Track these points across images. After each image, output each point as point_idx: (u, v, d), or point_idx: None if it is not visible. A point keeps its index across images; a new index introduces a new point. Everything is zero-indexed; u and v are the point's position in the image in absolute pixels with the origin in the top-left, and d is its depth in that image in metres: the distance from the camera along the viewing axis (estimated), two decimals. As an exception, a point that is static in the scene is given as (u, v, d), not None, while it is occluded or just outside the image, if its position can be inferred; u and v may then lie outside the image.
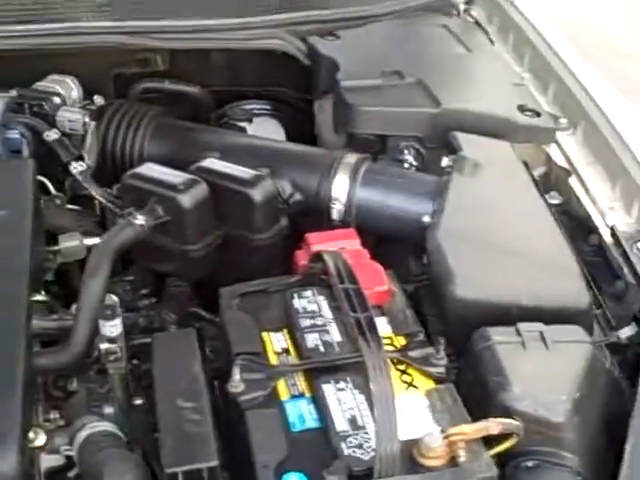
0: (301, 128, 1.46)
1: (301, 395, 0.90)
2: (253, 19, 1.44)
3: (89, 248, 1.14)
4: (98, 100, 1.35)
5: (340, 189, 1.15)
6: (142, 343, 1.02)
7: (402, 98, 1.28)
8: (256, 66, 1.51)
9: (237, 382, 0.89)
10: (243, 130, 1.42)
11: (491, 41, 1.53)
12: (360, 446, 0.82)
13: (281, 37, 1.42)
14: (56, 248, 1.13)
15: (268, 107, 1.53)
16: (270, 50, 1.44)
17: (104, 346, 0.93)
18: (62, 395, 1.00)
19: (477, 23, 1.59)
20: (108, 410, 0.99)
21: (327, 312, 0.99)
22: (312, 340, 0.96)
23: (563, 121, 1.32)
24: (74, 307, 1.08)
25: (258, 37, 1.42)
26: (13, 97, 1.25)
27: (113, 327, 0.92)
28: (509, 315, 0.95)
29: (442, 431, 0.83)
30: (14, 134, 1.17)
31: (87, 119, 1.26)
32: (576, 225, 1.19)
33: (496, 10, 1.60)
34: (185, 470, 0.79)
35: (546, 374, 0.89)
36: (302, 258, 1.08)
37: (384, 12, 1.51)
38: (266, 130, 1.43)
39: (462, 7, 1.59)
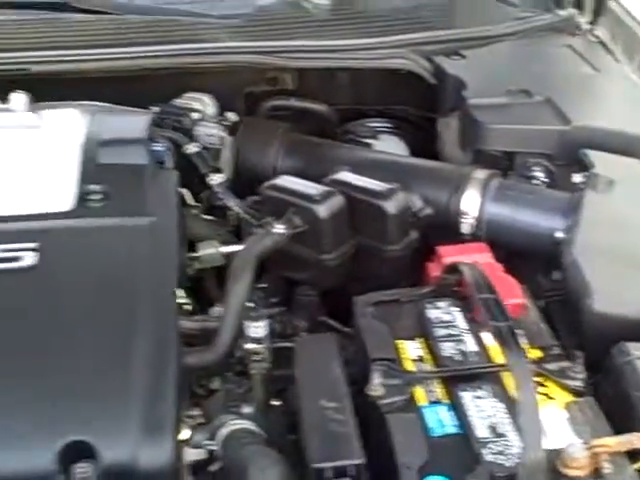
0: (421, 145, 1.49)
1: (438, 402, 0.92)
2: (379, 40, 1.48)
3: (225, 256, 1.20)
4: (231, 117, 1.42)
5: (470, 204, 1.17)
6: (279, 347, 1.06)
7: (530, 116, 1.29)
8: (379, 85, 1.55)
9: (377, 386, 0.92)
10: (369, 146, 1.46)
11: (617, 61, 1.53)
12: (501, 452, 0.84)
13: (406, 56, 1.45)
14: (196, 255, 1.19)
15: (390, 125, 1.56)
16: (394, 69, 1.48)
17: (249, 346, 0.98)
18: (204, 393, 1.05)
19: (602, 43, 1.58)
20: (246, 410, 1.04)
21: (462, 323, 1.01)
22: (448, 349, 0.98)
23: None
24: (213, 310, 1.14)
25: (383, 57, 1.46)
26: (156, 112, 1.33)
27: (258, 328, 0.97)
28: None
29: (584, 443, 0.83)
30: (159, 147, 1.24)
31: (224, 134, 1.33)
32: None
33: (621, 30, 1.59)
34: (332, 466, 0.82)
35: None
36: (434, 270, 1.10)
37: (508, 32, 1.52)
38: (390, 147, 1.47)
39: (586, 27, 1.59)
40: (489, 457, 0.83)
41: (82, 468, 0.84)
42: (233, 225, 1.31)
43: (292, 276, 1.19)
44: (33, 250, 1.01)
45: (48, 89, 1.31)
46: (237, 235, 1.28)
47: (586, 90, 1.40)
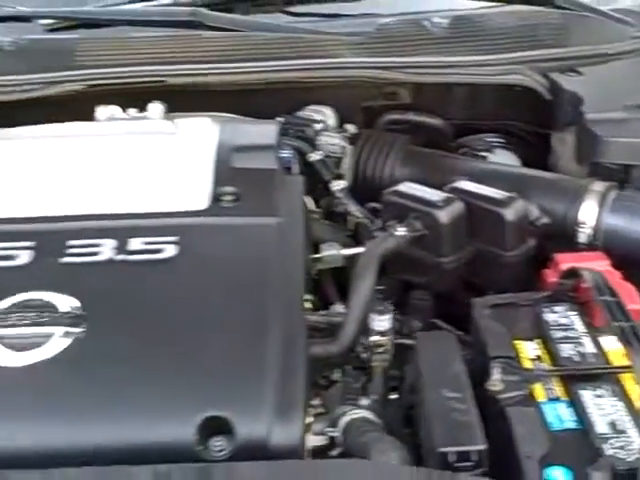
0: (532, 160, 1.52)
1: (557, 399, 0.95)
2: (495, 57, 1.52)
3: (346, 258, 1.26)
4: (350, 128, 1.49)
5: (588, 214, 1.20)
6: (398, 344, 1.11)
7: None
8: (494, 100, 1.59)
9: (497, 381, 0.95)
10: (484, 159, 1.50)
11: None
12: (622, 448, 0.86)
13: (522, 72, 1.49)
14: (318, 255, 1.25)
15: (503, 140, 1.60)
16: (509, 85, 1.51)
17: (373, 338, 1.03)
18: (325, 384, 1.11)
19: None
20: (364, 402, 1.09)
21: (580, 326, 1.04)
22: (566, 350, 1.00)
23: None
24: (333, 307, 1.20)
25: (500, 73, 1.50)
26: (281, 123, 1.40)
27: (383, 322, 1.02)
28: None
29: None
30: (285, 154, 1.31)
31: (345, 143, 1.40)
32: None
33: None
34: (456, 451, 0.86)
35: None
36: (551, 276, 1.13)
37: (624, 50, 1.54)
38: (504, 161, 1.50)
39: None
40: (610, 451, 0.85)
41: (219, 442, 0.90)
42: (350, 230, 1.37)
43: (410, 279, 1.23)
44: (174, 243, 1.09)
45: (181, 100, 1.41)
46: (354, 240, 1.34)
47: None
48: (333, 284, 1.29)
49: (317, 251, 1.26)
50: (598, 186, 1.23)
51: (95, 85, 1.45)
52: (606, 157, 1.29)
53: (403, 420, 1.06)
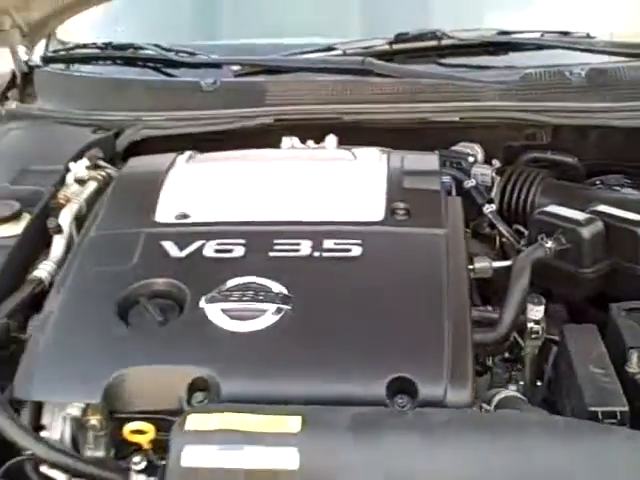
0: None
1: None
2: (627, 103, 1.72)
3: (494, 270, 1.47)
4: (496, 163, 1.71)
5: None
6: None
7: None
8: (623, 143, 1.78)
9: (635, 364, 1.15)
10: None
11: None
12: None
13: None
14: (472, 267, 1.47)
15: (630, 180, 1.78)
16: (638, 128, 1.71)
17: (530, 325, 1.24)
18: (480, 369, 1.32)
19: None
20: (512, 388, 1.29)
21: None
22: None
23: None
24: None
25: (630, 117, 1.70)
26: (439, 154, 1.64)
27: (538, 311, 1.24)
28: None
29: None
30: (446, 179, 1.55)
31: (494, 174, 1.63)
32: None
33: None
34: (604, 410, 1.06)
35: None
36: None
37: None
38: (632, 196, 1.69)
39: None
40: None
41: (402, 399, 1.13)
42: (496, 249, 1.58)
43: (552, 288, 1.43)
44: (358, 245, 1.34)
45: (351, 135, 1.67)
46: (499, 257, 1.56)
47: None
48: (477, 292, 1.51)
49: (471, 263, 1.48)
50: None
51: (282, 120, 1.73)
52: None
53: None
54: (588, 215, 1.39)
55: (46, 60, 2.07)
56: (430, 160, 1.56)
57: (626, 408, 1.06)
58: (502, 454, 1.01)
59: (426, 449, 1.02)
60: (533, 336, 1.25)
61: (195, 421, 1.06)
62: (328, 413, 1.07)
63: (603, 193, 1.60)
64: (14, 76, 2.04)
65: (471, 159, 1.66)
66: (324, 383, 1.14)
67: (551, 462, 0.99)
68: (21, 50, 2.01)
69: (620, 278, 1.39)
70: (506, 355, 1.36)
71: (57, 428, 1.18)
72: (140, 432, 1.16)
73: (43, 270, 1.43)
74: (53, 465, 1.11)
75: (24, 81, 2.04)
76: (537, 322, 1.25)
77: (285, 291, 1.25)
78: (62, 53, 2.12)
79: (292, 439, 1.03)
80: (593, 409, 1.06)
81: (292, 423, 1.05)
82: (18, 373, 1.20)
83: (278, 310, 1.23)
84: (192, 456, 1.03)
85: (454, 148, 1.72)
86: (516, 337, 1.30)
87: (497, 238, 1.57)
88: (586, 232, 1.37)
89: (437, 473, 1.01)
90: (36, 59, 2.06)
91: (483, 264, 1.46)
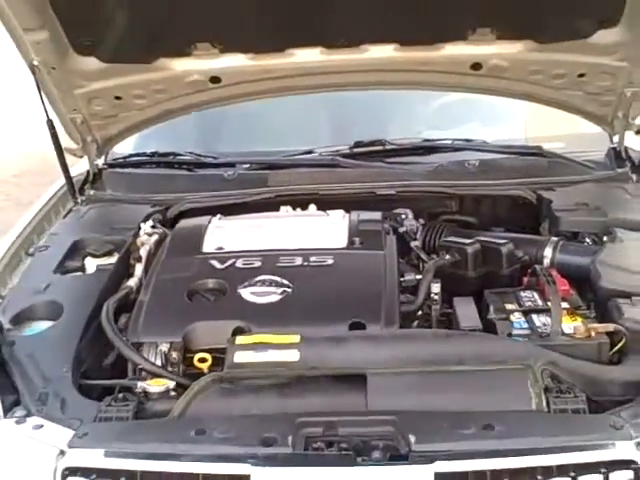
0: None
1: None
2: (507, 181, 2.63)
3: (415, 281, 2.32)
4: (420, 221, 2.59)
5: (548, 253, 2.25)
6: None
7: None
8: (505, 207, 2.67)
9: (492, 313, 1.99)
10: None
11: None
12: None
13: (522, 190, 2.59)
14: (402, 279, 2.31)
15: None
16: (514, 196, 2.61)
17: (432, 295, 2.09)
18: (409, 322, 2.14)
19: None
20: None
21: (538, 299, 2.07)
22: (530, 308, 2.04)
23: None
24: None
25: (509, 189, 2.61)
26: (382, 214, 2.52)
27: (436, 286, 2.09)
28: None
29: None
30: (386, 225, 2.43)
31: (419, 225, 2.51)
32: None
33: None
34: (469, 326, 1.91)
35: None
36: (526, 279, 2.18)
37: (579, 180, 2.63)
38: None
39: (633, 177, 2.66)
40: None
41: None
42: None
43: (452, 286, 2.25)
44: (331, 258, 2.20)
45: (324, 204, 2.56)
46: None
47: (621, 205, 2.47)
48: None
49: (402, 276, 2.33)
50: (553, 240, 2.29)
51: (279, 195, 2.63)
52: (561, 226, 2.36)
53: None
54: (471, 240, 2.27)
55: (111, 165, 2.97)
56: (375, 215, 2.45)
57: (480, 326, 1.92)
58: (423, 346, 1.86)
59: (375, 345, 1.85)
60: (434, 298, 2.10)
61: (240, 339, 1.89)
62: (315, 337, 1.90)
63: (482, 233, 2.47)
64: (88, 174, 2.92)
65: (403, 216, 2.54)
66: (311, 327, 1.95)
67: (448, 349, 1.83)
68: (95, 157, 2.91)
69: (490, 277, 2.24)
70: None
71: (152, 359, 1.98)
72: (203, 360, 1.96)
73: (132, 282, 2.26)
74: (151, 373, 1.90)
75: (95, 178, 2.91)
76: (436, 293, 2.10)
77: (287, 282, 2.10)
78: (120, 160, 3.03)
79: (294, 346, 1.85)
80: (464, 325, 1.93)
81: (294, 339, 1.87)
82: (130, 327, 2.01)
83: (283, 292, 2.08)
84: (239, 356, 1.84)
85: (392, 212, 2.60)
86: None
87: (420, 263, 2.42)
88: (470, 249, 2.24)
89: (386, 357, 1.82)
90: (100, 163, 2.96)
91: (409, 277, 2.31)
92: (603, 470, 1.55)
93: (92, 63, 2.47)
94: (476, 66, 2.51)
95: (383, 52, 2.45)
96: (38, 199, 2.95)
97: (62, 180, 2.89)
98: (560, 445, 1.58)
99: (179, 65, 2.50)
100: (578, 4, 2.31)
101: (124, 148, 3.06)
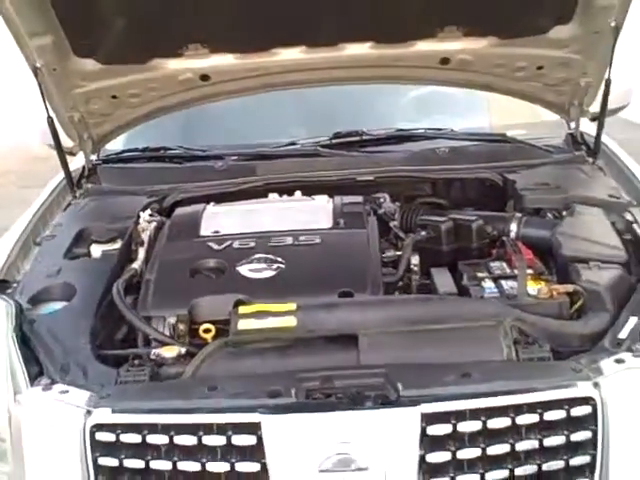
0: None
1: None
2: (475, 165, 2.87)
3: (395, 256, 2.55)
4: (397, 203, 2.82)
5: (513, 226, 2.50)
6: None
7: None
8: (474, 188, 2.91)
9: (465, 280, 2.23)
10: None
11: (604, 174, 2.84)
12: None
13: (489, 172, 2.83)
14: (384, 255, 2.54)
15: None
16: (482, 178, 2.85)
17: (412, 266, 2.33)
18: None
19: (600, 168, 2.91)
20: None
21: (506, 267, 2.32)
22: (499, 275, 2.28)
23: None
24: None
25: (477, 172, 2.85)
26: (362, 197, 2.75)
27: (415, 259, 2.32)
28: None
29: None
30: (367, 208, 2.65)
31: (396, 207, 2.73)
32: None
33: (609, 162, 2.92)
34: (448, 291, 2.15)
35: None
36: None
37: (539, 163, 2.88)
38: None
39: (589, 159, 2.92)
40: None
41: (346, 303, 2.19)
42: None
43: (429, 260, 2.48)
44: (319, 237, 2.42)
45: (309, 190, 2.78)
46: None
47: (578, 184, 2.72)
48: None
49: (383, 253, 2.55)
50: (517, 216, 2.53)
51: (267, 183, 2.84)
52: (525, 204, 2.61)
53: None
54: (444, 218, 2.50)
55: (105, 161, 3.16)
56: (357, 199, 2.68)
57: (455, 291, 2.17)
58: (407, 308, 2.09)
59: (364, 309, 2.09)
60: (414, 270, 2.34)
61: (242, 309, 2.10)
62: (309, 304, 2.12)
63: (454, 212, 2.70)
64: (84, 170, 3.10)
65: (382, 200, 2.77)
66: (304, 297, 2.17)
67: (429, 310, 2.07)
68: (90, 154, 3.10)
69: (462, 251, 2.48)
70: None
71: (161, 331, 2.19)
72: (207, 331, 2.17)
73: (136, 264, 2.46)
74: (162, 343, 2.10)
75: (90, 173, 3.10)
76: (415, 265, 2.33)
77: (280, 259, 2.32)
78: (112, 156, 3.22)
79: (291, 312, 2.07)
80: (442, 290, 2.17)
81: (291, 307, 2.09)
82: (139, 303, 2.22)
83: (277, 268, 2.30)
84: (242, 324, 2.06)
85: (373, 196, 2.83)
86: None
87: (398, 242, 2.65)
88: (443, 226, 2.48)
89: (374, 319, 2.04)
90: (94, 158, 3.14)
91: (390, 253, 2.54)
92: (566, 407, 1.80)
93: (91, 64, 2.67)
94: (445, 61, 2.75)
95: (359, 50, 2.68)
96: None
97: (59, 176, 3.09)
98: (528, 387, 1.82)
99: (172, 65, 2.70)
100: (536, 3, 2.56)
101: (114, 145, 3.26)
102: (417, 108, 3.45)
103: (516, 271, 2.23)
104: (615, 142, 3.15)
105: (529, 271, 2.24)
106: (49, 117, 2.77)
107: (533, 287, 2.17)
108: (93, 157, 3.11)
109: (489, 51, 2.69)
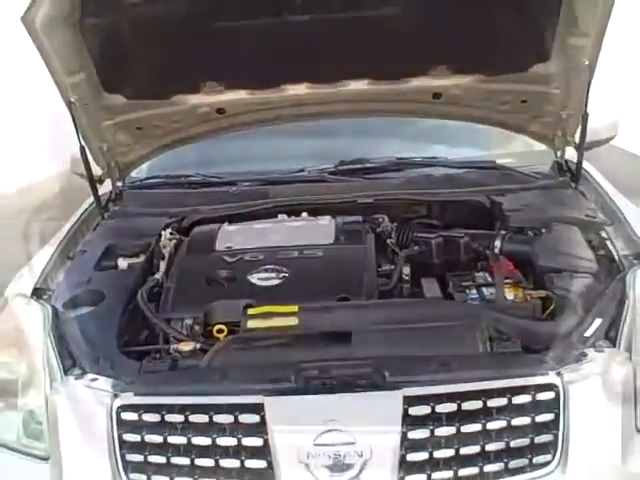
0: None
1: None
2: (466, 189, 3.15)
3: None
4: (395, 224, 3.09)
5: (497, 243, 2.77)
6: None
7: None
8: (464, 210, 3.18)
9: (451, 288, 2.49)
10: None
11: (586, 200, 3.10)
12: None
13: (478, 196, 3.11)
14: (379, 268, 2.82)
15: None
16: (472, 201, 3.12)
17: (403, 276, 2.59)
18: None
19: (582, 193, 3.17)
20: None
21: (487, 277, 2.59)
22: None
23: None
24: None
25: (468, 196, 3.13)
26: (360, 218, 3.04)
27: (406, 270, 2.59)
28: None
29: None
30: (366, 227, 2.93)
31: (393, 227, 3.01)
32: None
33: (589, 187, 3.19)
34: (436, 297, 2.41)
35: None
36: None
37: (526, 187, 3.15)
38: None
39: (572, 185, 3.18)
40: None
41: (344, 307, 2.46)
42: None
43: (421, 272, 2.76)
44: (321, 252, 2.71)
45: (313, 212, 3.06)
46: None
47: (559, 205, 2.99)
48: None
49: (379, 267, 2.82)
50: (501, 233, 2.80)
51: (277, 206, 3.14)
52: (509, 223, 2.88)
53: None
54: (435, 235, 2.79)
55: (131, 187, 3.48)
56: (356, 218, 2.97)
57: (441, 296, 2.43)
58: (395, 310, 2.36)
59: (357, 311, 2.36)
60: (406, 279, 2.61)
61: (251, 311, 2.39)
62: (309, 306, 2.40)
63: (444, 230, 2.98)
64: (111, 194, 3.41)
65: (380, 220, 3.05)
66: (305, 302, 2.44)
67: (415, 311, 2.33)
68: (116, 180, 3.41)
69: (451, 264, 2.75)
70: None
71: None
72: (220, 331, 2.45)
73: (158, 275, 2.75)
74: (179, 340, 2.38)
75: (116, 197, 3.41)
76: (406, 275, 2.61)
77: (285, 269, 2.61)
78: (137, 182, 3.53)
79: (294, 314, 2.34)
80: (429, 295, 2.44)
81: (293, 309, 2.36)
82: (160, 307, 2.50)
83: (282, 277, 2.59)
84: (251, 323, 2.34)
85: (372, 216, 3.11)
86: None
87: (393, 257, 2.92)
88: (434, 242, 2.76)
89: (366, 319, 2.31)
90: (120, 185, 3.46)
91: (385, 267, 2.81)
92: (532, 392, 2.05)
93: (119, 99, 2.99)
94: (436, 95, 3.06)
95: (358, 86, 2.99)
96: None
97: (89, 200, 3.41)
98: (499, 374, 2.07)
99: (191, 100, 3.03)
100: (517, 43, 2.86)
101: (138, 173, 3.58)
102: (419, 139, 3.74)
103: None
104: (596, 169, 3.42)
105: (509, 280, 2.51)
106: (82, 147, 3.09)
107: (511, 293, 2.44)
108: (119, 183, 3.44)
109: (476, 86, 2.99)
